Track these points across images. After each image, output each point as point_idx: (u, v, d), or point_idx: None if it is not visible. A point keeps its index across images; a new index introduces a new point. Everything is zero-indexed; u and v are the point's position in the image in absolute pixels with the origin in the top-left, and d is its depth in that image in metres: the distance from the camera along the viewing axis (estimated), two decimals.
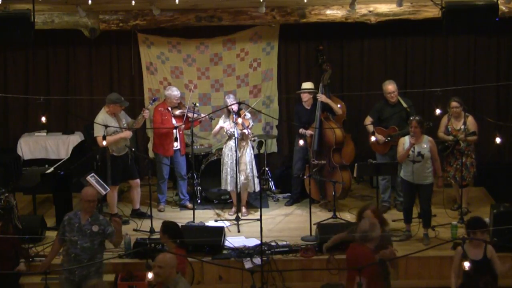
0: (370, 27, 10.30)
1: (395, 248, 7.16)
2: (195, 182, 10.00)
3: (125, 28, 10.25)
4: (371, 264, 6.22)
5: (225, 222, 9.26)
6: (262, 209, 8.36)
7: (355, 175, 9.30)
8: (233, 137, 9.19)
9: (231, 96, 9.55)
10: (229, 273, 8.09)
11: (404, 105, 9.46)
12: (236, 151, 9.19)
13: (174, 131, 9.55)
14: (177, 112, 9.72)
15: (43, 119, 8.34)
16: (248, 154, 9.37)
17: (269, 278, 7.96)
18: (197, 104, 9.91)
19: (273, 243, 8.43)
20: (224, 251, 8.34)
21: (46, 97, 9.58)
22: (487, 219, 8.69)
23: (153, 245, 8.16)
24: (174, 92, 9.70)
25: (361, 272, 5.92)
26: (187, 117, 9.60)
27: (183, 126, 9.67)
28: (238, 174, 9.19)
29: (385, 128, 9.47)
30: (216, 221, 9.36)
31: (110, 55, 11.25)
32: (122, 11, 10.07)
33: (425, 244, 8.34)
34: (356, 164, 9.02)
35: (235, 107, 9.20)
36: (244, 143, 9.35)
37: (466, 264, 5.64)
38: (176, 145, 9.63)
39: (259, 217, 8.09)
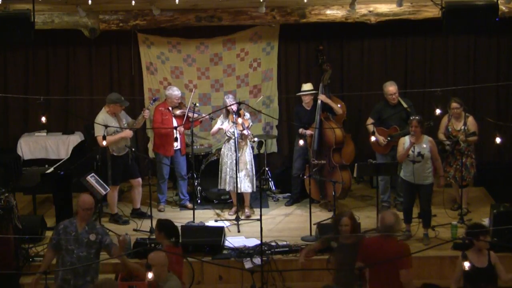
0: (370, 27, 10.30)
1: None
2: (195, 182, 10.00)
3: (125, 28, 10.25)
4: (380, 262, 6.25)
5: (225, 222, 9.26)
6: (262, 209, 8.37)
7: (355, 175, 9.29)
8: (233, 137, 9.19)
9: (231, 96, 9.55)
10: (229, 273, 8.09)
11: (405, 105, 9.46)
12: (236, 151, 9.19)
13: (174, 131, 9.55)
14: (178, 112, 9.72)
15: (43, 119, 8.33)
16: (248, 154, 9.37)
17: (269, 278, 7.97)
18: (197, 104, 9.91)
19: (273, 243, 8.43)
20: (224, 251, 8.34)
21: (46, 97, 9.57)
22: (486, 219, 8.73)
23: (153, 245, 8.15)
24: (175, 92, 9.70)
25: (399, 264, 6.15)
26: (188, 117, 9.60)
27: (182, 128, 9.66)
28: (238, 174, 9.19)
29: (386, 128, 9.47)
30: (216, 221, 9.36)
31: (110, 55, 11.25)
32: (122, 11, 10.06)
33: (425, 244, 8.34)
34: (356, 164, 9.01)
35: (234, 107, 9.20)
36: (243, 143, 9.35)
37: (466, 264, 5.64)
38: (176, 145, 9.62)
39: (259, 217, 8.09)
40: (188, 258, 7.76)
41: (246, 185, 9.35)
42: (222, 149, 9.47)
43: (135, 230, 9.00)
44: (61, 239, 6.68)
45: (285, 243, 8.46)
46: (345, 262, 6.64)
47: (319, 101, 9.62)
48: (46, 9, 9.83)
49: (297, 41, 11.14)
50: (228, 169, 9.31)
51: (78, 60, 11.26)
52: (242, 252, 8.20)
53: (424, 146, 8.37)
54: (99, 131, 8.81)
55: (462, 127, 9.13)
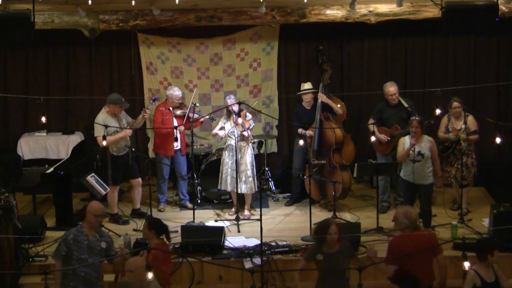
0: (370, 27, 10.30)
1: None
2: (195, 182, 10.00)
3: (125, 28, 10.25)
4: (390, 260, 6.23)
5: (225, 222, 9.26)
6: (262, 209, 8.36)
7: (355, 175, 9.30)
8: (234, 138, 9.19)
9: (232, 96, 9.54)
10: (229, 273, 8.08)
11: (405, 104, 9.46)
12: (236, 151, 9.19)
13: (175, 131, 9.54)
14: (178, 112, 9.71)
15: (43, 119, 8.33)
16: (248, 155, 9.36)
17: (269, 278, 7.96)
18: (197, 104, 9.91)
19: (273, 243, 8.43)
20: (224, 251, 8.34)
21: (46, 97, 9.58)
22: (486, 219, 8.74)
23: None
24: (176, 92, 9.69)
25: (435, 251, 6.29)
26: (188, 117, 9.59)
27: (182, 127, 9.66)
28: (238, 174, 9.19)
29: (387, 128, 9.47)
30: (216, 221, 9.36)
31: (110, 55, 11.25)
32: (122, 11, 10.07)
33: None
34: (356, 164, 9.03)
35: (235, 108, 9.20)
36: (244, 144, 9.35)
37: (466, 264, 5.63)
38: (177, 145, 9.62)
39: (259, 217, 8.09)
40: (188, 258, 7.77)
41: (247, 186, 9.35)
42: (224, 149, 9.46)
43: (135, 230, 8.99)
44: (72, 250, 6.51)
45: (285, 243, 8.46)
46: (331, 271, 6.53)
47: (319, 101, 9.62)
48: (46, 9, 9.83)
49: (297, 41, 11.14)
50: (229, 170, 9.30)
51: (78, 60, 11.26)
52: (242, 252, 8.20)
53: (424, 145, 8.37)
54: (99, 131, 8.81)
55: (463, 126, 9.13)
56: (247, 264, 8.04)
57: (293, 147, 10.07)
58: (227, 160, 9.34)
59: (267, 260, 8.06)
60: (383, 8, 10.02)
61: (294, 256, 8.19)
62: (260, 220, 7.98)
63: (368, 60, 11.19)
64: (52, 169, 9.54)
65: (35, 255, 8.21)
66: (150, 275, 5.49)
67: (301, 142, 9.39)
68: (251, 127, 9.34)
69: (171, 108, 9.70)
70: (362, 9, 10.00)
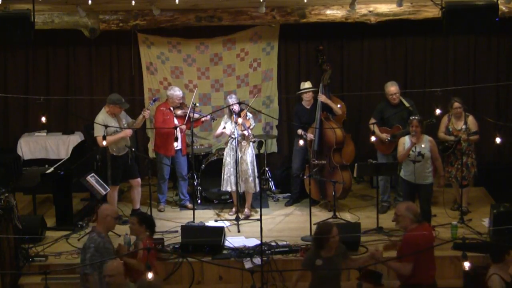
0: (370, 27, 10.30)
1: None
2: (195, 182, 10.00)
3: (125, 28, 10.25)
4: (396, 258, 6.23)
5: (225, 222, 9.26)
6: (262, 209, 8.36)
7: (355, 175, 9.29)
8: (234, 138, 9.19)
9: (233, 96, 9.52)
10: (229, 273, 8.08)
11: (407, 104, 9.46)
12: (236, 151, 9.18)
13: (175, 130, 9.53)
14: (179, 112, 9.71)
15: (43, 119, 8.33)
16: (249, 155, 9.36)
17: (269, 278, 7.96)
18: (197, 104, 9.91)
19: (273, 243, 8.43)
20: (224, 251, 8.33)
21: (46, 97, 9.58)
22: (486, 219, 8.74)
23: (153, 244, 8.15)
24: (177, 92, 9.69)
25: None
26: (189, 117, 9.58)
27: (184, 127, 9.66)
28: (239, 174, 9.18)
29: (389, 128, 9.47)
30: (216, 221, 9.36)
31: (110, 55, 11.25)
32: (122, 11, 10.06)
33: None
34: (356, 164, 9.02)
35: (236, 108, 9.19)
36: (245, 144, 9.35)
37: (466, 264, 5.62)
38: (177, 145, 9.61)
39: (259, 217, 8.09)
40: (188, 258, 7.77)
41: (248, 186, 9.35)
42: (225, 149, 9.46)
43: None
44: (104, 257, 6.45)
45: (285, 243, 8.46)
46: (330, 275, 6.48)
47: (319, 101, 9.62)
48: (46, 9, 9.83)
49: (297, 41, 11.14)
50: (231, 170, 9.30)
51: (78, 60, 11.26)
52: (242, 252, 8.20)
53: (424, 145, 8.37)
54: (99, 131, 8.81)
55: (463, 127, 9.13)
56: (247, 264, 8.04)
57: (293, 147, 10.07)
58: (229, 160, 9.34)
59: (267, 260, 8.06)
60: (383, 8, 10.02)
61: (294, 256, 8.19)
62: (260, 220, 7.98)
63: (368, 60, 11.19)
64: (52, 169, 9.54)
65: (35, 255, 8.21)
66: (150, 275, 5.49)
67: (301, 142, 9.39)
68: (251, 127, 9.34)
69: (172, 108, 9.69)
70: (362, 9, 10.00)
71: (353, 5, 9.65)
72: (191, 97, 10.03)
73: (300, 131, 9.59)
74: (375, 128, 9.37)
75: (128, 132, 9.16)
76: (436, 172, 8.59)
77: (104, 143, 8.70)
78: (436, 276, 8.03)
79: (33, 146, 10.94)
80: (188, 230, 8.55)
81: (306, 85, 9.81)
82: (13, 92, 10.80)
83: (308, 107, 9.80)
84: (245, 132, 9.18)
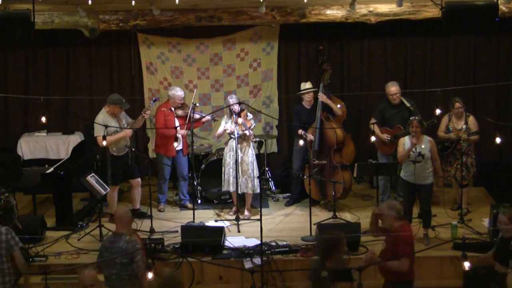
0: (370, 27, 10.30)
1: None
2: (195, 182, 10.00)
3: (125, 28, 10.25)
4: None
5: (225, 222, 9.26)
6: (262, 209, 8.36)
7: (355, 175, 9.30)
8: (234, 138, 9.18)
9: (234, 96, 9.51)
10: (229, 273, 8.08)
11: (407, 104, 9.46)
12: (236, 151, 9.18)
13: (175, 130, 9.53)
14: (180, 112, 9.70)
15: (43, 119, 8.33)
16: (250, 155, 9.36)
17: (269, 278, 7.96)
18: (197, 104, 9.91)
19: (273, 243, 8.43)
20: (224, 251, 8.34)
21: (46, 97, 9.59)
22: (486, 219, 8.75)
23: (153, 245, 8.16)
24: (178, 92, 9.68)
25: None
26: (190, 117, 9.57)
27: (184, 131, 9.63)
28: (239, 174, 9.18)
29: (390, 128, 9.47)
30: (216, 221, 9.36)
31: (110, 55, 11.25)
32: (122, 11, 10.06)
33: (425, 244, 8.33)
34: (356, 164, 9.02)
35: (236, 107, 9.19)
36: (245, 144, 9.34)
37: (466, 264, 5.62)
38: (177, 145, 9.61)
39: (259, 217, 8.09)
40: (188, 258, 7.77)
41: (248, 186, 9.35)
42: (225, 150, 9.46)
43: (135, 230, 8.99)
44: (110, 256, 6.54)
45: (285, 243, 8.46)
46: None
47: (319, 101, 9.62)
48: (46, 9, 9.83)
49: (297, 41, 11.14)
50: (230, 170, 9.30)
51: (78, 60, 11.26)
52: (242, 252, 8.20)
53: (424, 146, 8.37)
54: (99, 131, 8.81)
55: (463, 127, 9.13)
56: (247, 264, 8.04)
57: (293, 147, 10.07)
58: (229, 160, 9.33)
59: (267, 260, 8.06)
60: (383, 8, 10.02)
61: (294, 256, 8.19)
62: (260, 220, 7.98)
63: (368, 60, 11.19)
64: (52, 169, 9.54)
65: (35, 255, 8.21)
66: (150, 275, 5.49)
67: (301, 142, 9.39)
68: (252, 127, 9.33)
69: (172, 109, 9.69)
70: (362, 9, 10.00)
71: (353, 5, 9.66)
72: (191, 97, 10.03)
73: (300, 131, 9.59)
74: (375, 128, 9.37)
75: (128, 132, 9.16)
76: (435, 173, 8.59)
77: (104, 143, 8.70)
78: (436, 276, 8.10)
79: (33, 146, 10.93)
80: (188, 230, 8.55)
81: (307, 85, 9.81)
82: (13, 92, 10.80)
83: (309, 107, 9.80)
84: (247, 132, 9.17)
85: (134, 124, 9.28)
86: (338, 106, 9.80)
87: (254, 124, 9.46)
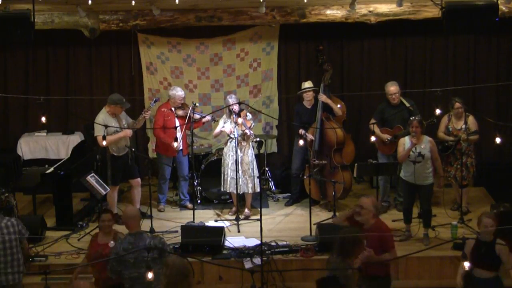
0: (370, 27, 10.30)
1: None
2: (195, 182, 10.00)
3: (125, 28, 10.24)
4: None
5: (225, 222, 9.26)
6: (262, 209, 8.36)
7: (355, 175, 9.29)
8: (234, 138, 9.18)
9: (233, 96, 9.51)
10: (229, 273, 8.08)
11: (407, 104, 9.46)
12: (236, 151, 9.18)
13: (175, 130, 9.52)
14: (180, 112, 9.70)
15: (43, 119, 8.33)
16: (249, 155, 9.36)
17: (269, 278, 7.96)
18: (197, 104, 9.90)
19: (273, 243, 8.43)
20: (224, 251, 8.34)
21: (46, 97, 9.58)
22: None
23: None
24: (179, 92, 9.68)
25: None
26: (190, 117, 9.57)
27: (181, 135, 9.62)
28: (239, 174, 9.18)
29: (390, 128, 9.47)
30: (216, 221, 9.36)
31: (110, 55, 11.25)
32: (122, 11, 10.06)
33: (425, 244, 8.34)
34: (356, 164, 9.02)
35: (236, 107, 9.19)
36: (245, 144, 9.34)
37: (466, 264, 5.63)
38: (177, 145, 9.61)
39: (259, 217, 8.09)
40: (188, 258, 7.75)
41: (248, 186, 9.34)
42: (224, 150, 9.45)
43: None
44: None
45: (285, 243, 8.46)
46: None
47: (320, 101, 9.62)
48: (46, 9, 9.82)
49: (297, 41, 11.14)
50: (229, 170, 9.29)
51: (78, 60, 11.26)
52: (242, 252, 8.20)
53: (424, 146, 8.37)
54: (99, 131, 8.81)
55: (463, 126, 9.13)
56: (247, 264, 8.04)
57: (293, 147, 10.06)
58: (228, 160, 9.33)
59: (267, 260, 8.06)
60: (383, 8, 10.02)
61: (294, 256, 8.19)
62: (260, 220, 7.97)
63: (368, 60, 11.19)
64: (52, 169, 9.54)
65: (35, 255, 8.21)
66: (150, 275, 5.48)
67: (301, 142, 9.39)
68: (251, 127, 9.33)
69: (173, 109, 9.69)
70: (362, 9, 10.00)
71: (353, 5, 9.66)
72: (191, 97, 10.02)
73: (301, 131, 9.58)
74: (375, 128, 9.36)
75: (128, 132, 9.16)
76: (435, 173, 8.59)
77: (104, 143, 8.69)
78: (436, 276, 8.10)
79: (33, 146, 10.93)
80: (188, 230, 8.56)
81: (307, 84, 9.81)
82: (13, 92, 10.80)
83: (309, 107, 9.80)
84: (247, 132, 9.16)
85: (134, 124, 9.28)
86: (338, 106, 9.80)
87: (253, 124, 9.46)
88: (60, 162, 10.00)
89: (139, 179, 9.42)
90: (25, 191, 9.67)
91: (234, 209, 9.50)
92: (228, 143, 9.37)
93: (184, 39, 10.91)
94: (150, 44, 10.96)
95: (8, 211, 7.90)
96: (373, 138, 8.80)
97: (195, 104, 9.68)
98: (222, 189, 9.47)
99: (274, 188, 10.62)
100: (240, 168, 9.21)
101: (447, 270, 8.05)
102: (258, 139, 9.87)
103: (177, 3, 8.94)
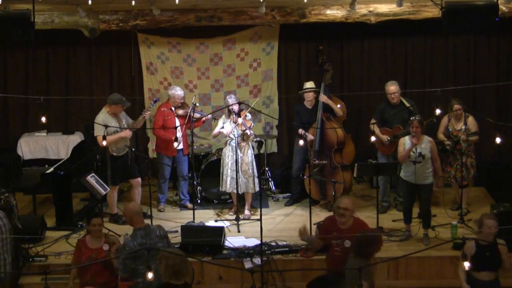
0: (370, 27, 10.30)
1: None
2: (195, 182, 10.00)
3: (125, 28, 10.24)
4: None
5: (225, 222, 9.26)
6: (262, 209, 8.36)
7: (355, 175, 9.29)
8: (234, 138, 9.18)
9: (233, 96, 9.52)
10: (229, 273, 8.09)
11: (407, 104, 9.46)
12: (236, 151, 9.18)
13: (175, 130, 9.52)
14: (180, 112, 9.70)
15: (43, 119, 8.33)
16: (249, 155, 9.36)
17: (269, 278, 7.96)
18: (197, 104, 9.91)
19: (273, 243, 8.43)
20: (224, 251, 8.34)
21: (46, 97, 9.58)
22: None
23: None
24: (178, 91, 9.68)
25: None
26: (190, 117, 9.57)
27: (181, 135, 9.63)
28: (239, 174, 9.18)
29: (389, 129, 9.47)
30: (216, 221, 9.36)
31: (110, 55, 11.25)
32: (122, 11, 10.06)
33: (425, 244, 8.34)
34: (356, 164, 9.02)
35: (235, 107, 9.19)
36: (244, 144, 9.34)
37: (466, 264, 5.62)
38: (177, 145, 9.61)
39: (259, 217, 8.09)
40: (188, 258, 7.75)
41: (248, 186, 9.35)
42: (224, 150, 9.46)
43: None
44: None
45: (285, 243, 8.46)
46: None
47: (320, 101, 9.62)
48: (46, 9, 9.83)
49: (297, 41, 11.14)
50: (229, 170, 9.29)
51: (78, 60, 11.26)
52: (242, 252, 8.20)
53: (424, 146, 8.37)
54: (99, 131, 8.81)
55: (463, 127, 9.13)
56: (247, 264, 8.04)
57: (293, 147, 10.07)
58: (227, 160, 9.33)
59: (267, 260, 8.06)
60: (383, 8, 10.02)
61: (294, 256, 8.19)
62: (260, 220, 7.98)
63: (368, 60, 11.19)
64: (52, 169, 9.54)
65: (35, 255, 8.22)
66: (150, 275, 5.48)
67: (301, 142, 9.37)
68: (252, 127, 9.33)
69: (173, 108, 9.69)
70: (362, 9, 10.00)
71: (353, 5, 9.66)
72: (191, 97, 10.03)
73: (301, 131, 9.58)
74: (375, 128, 9.36)
75: (128, 133, 9.16)
76: (435, 173, 8.59)
77: (104, 143, 8.69)
78: (436, 276, 8.10)
79: (33, 146, 10.93)
80: (188, 230, 8.55)
81: (308, 85, 9.81)
82: (13, 92, 10.80)
83: (310, 107, 9.80)
84: (248, 132, 9.17)
85: (134, 124, 9.28)
86: (338, 106, 9.80)
87: (253, 124, 9.46)
88: (60, 162, 10.00)
89: (139, 179, 9.42)
90: (25, 191, 9.66)
91: (234, 209, 9.49)
92: (228, 143, 9.37)
93: (184, 39, 10.91)
94: (150, 44, 10.96)
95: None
96: (373, 138, 8.79)
97: (195, 104, 9.69)
98: (220, 189, 9.47)
99: (274, 188, 10.62)
100: (240, 168, 9.21)
101: (447, 270, 8.05)
102: (258, 139, 9.87)
103: (177, 3, 8.94)
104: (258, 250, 8.09)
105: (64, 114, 11.31)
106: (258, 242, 8.12)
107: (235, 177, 9.19)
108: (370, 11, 10.05)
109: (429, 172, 8.45)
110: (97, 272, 6.82)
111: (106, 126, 8.62)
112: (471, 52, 11.10)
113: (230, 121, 9.29)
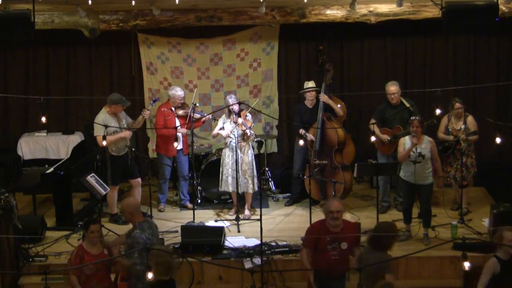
0: (370, 27, 10.30)
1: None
2: (195, 182, 10.00)
3: (125, 28, 10.25)
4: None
5: (225, 222, 9.26)
6: (262, 209, 8.36)
7: (355, 175, 9.28)
8: (234, 138, 9.18)
9: (233, 96, 9.52)
10: (229, 273, 8.09)
11: (407, 104, 9.46)
12: (236, 151, 9.18)
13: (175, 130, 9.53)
14: (180, 112, 9.70)
15: (43, 119, 8.33)
16: (249, 155, 9.36)
17: (269, 278, 7.96)
18: (197, 104, 9.91)
19: (273, 243, 8.43)
20: (224, 251, 8.34)
21: (46, 97, 9.58)
22: (486, 220, 8.75)
23: None
24: (178, 92, 9.68)
25: None
26: (190, 117, 9.57)
27: (185, 130, 9.63)
28: (239, 174, 9.18)
29: (389, 129, 9.47)
30: (216, 221, 9.36)
31: (110, 55, 11.25)
32: (122, 11, 10.07)
33: (425, 244, 8.34)
34: (356, 164, 9.02)
35: (236, 107, 9.19)
36: (244, 144, 9.34)
37: (466, 265, 5.62)
38: (177, 145, 9.60)
39: (259, 217, 8.09)
40: (188, 258, 7.77)
41: (248, 186, 9.35)
42: (224, 150, 9.46)
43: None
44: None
45: (285, 243, 8.46)
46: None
47: (321, 101, 9.62)
48: (46, 9, 9.83)
49: (297, 41, 11.14)
50: (229, 170, 9.29)
51: (78, 60, 11.26)
52: (242, 252, 8.20)
53: (425, 146, 8.37)
54: (99, 131, 8.81)
55: (462, 127, 9.13)
56: (247, 264, 8.04)
57: (293, 147, 10.06)
58: (227, 160, 9.33)
59: (267, 260, 8.06)
60: (383, 8, 10.02)
61: (294, 256, 8.18)
62: (260, 220, 7.98)
63: (368, 60, 11.19)
64: (52, 169, 9.54)
65: (35, 255, 8.22)
66: (150, 275, 5.49)
67: (301, 142, 9.38)
68: (252, 127, 9.33)
69: (173, 109, 9.69)
70: (362, 9, 10.00)
71: (353, 5, 9.66)
72: (191, 97, 10.03)
73: (301, 131, 9.58)
74: (375, 129, 9.36)
75: (128, 133, 9.16)
76: (435, 173, 8.59)
77: (104, 143, 8.69)
78: (436, 276, 8.10)
79: (33, 146, 10.93)
80: (188, 230, 8.55)
81: (310, 84, 9.81)
82: (13, 92, 10.80)
83: (311, 107, 9.80)
84: (248, 132, 9.16)
85: (134, 124, 9.28)
86: (338, 106, 9.80)
87: (253, 124, 9.46)
88: (60, 162, 10.00)
89: (139, 179, 9.42)
90: (25, 191, 9.66)
91: (234, 209, 9.49)
92: (228, 143, 9.37)
93: (184, 39, 10.91)
94: (150, 44, 10.96)
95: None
96: (373, 138, 8.79)
97: (195, 104, 9.69)
98: (220, 189, 9.47)
99: (274, 188, 10.62)
100: (240, 168, 9.21)
101: (447, 270, 8.05)
102: (258, 139, 9.87)
103: (177, 3, 8.94)
104: (258, 250, 8.09)
105: (64, 114, 11.31)
106: (258, 242, 8.12)
107: (235, 177, 9.19)
108: (370, 11, 10.05)
109: (429, 172, 8.45)
110: (102, 277, 6.80)
111: (106, 126, 8.62)
112: (471, 52, 11.10)
113: (230, 121, 9.29)
